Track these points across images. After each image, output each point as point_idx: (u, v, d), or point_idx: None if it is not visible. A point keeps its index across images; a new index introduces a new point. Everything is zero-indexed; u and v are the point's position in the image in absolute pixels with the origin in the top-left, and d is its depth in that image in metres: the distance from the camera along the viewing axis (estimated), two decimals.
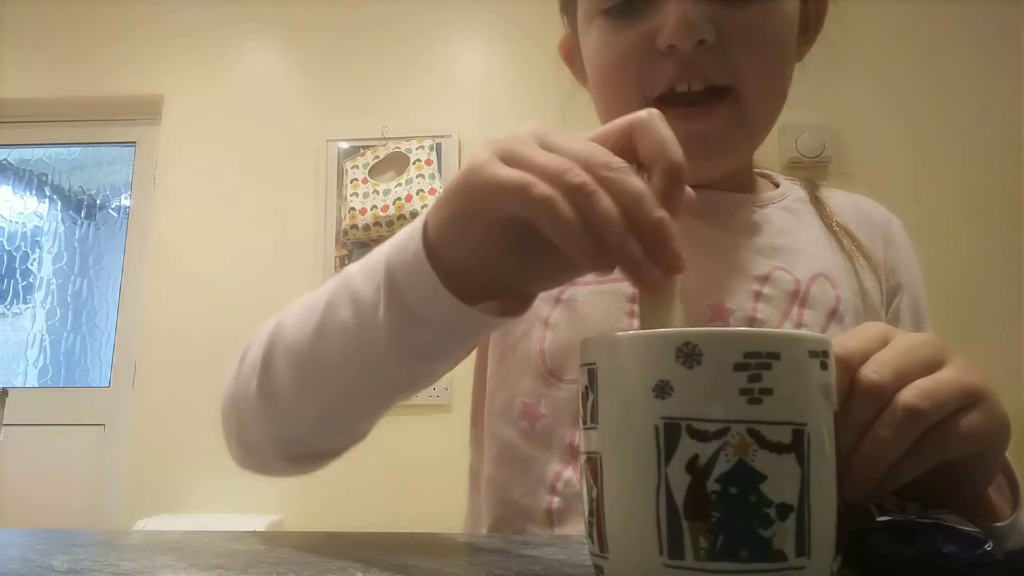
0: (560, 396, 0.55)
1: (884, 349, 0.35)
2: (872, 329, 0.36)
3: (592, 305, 0.55)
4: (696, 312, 0.56)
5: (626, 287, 0.55)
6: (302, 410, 0.48)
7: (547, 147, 0.34)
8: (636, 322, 0.50)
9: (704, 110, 0.51)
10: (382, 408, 0.48)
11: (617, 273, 0.50)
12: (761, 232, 0.60)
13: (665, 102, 0.51)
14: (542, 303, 0.56)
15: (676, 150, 0.34)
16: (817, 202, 0.63)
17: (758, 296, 0.57)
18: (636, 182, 0.33)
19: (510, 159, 0.34)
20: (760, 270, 0.58)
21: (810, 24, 0.58)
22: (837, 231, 0.61)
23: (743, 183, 0.62)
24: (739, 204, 0.61)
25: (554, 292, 0.56)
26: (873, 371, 0.33)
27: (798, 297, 0.57)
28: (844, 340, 0.35)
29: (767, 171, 0.68)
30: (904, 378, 0.34)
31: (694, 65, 0.50)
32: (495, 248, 0.37)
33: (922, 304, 0.66)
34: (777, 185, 0.66)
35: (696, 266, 0.56)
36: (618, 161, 0.33)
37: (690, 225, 0.59)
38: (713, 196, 0.60)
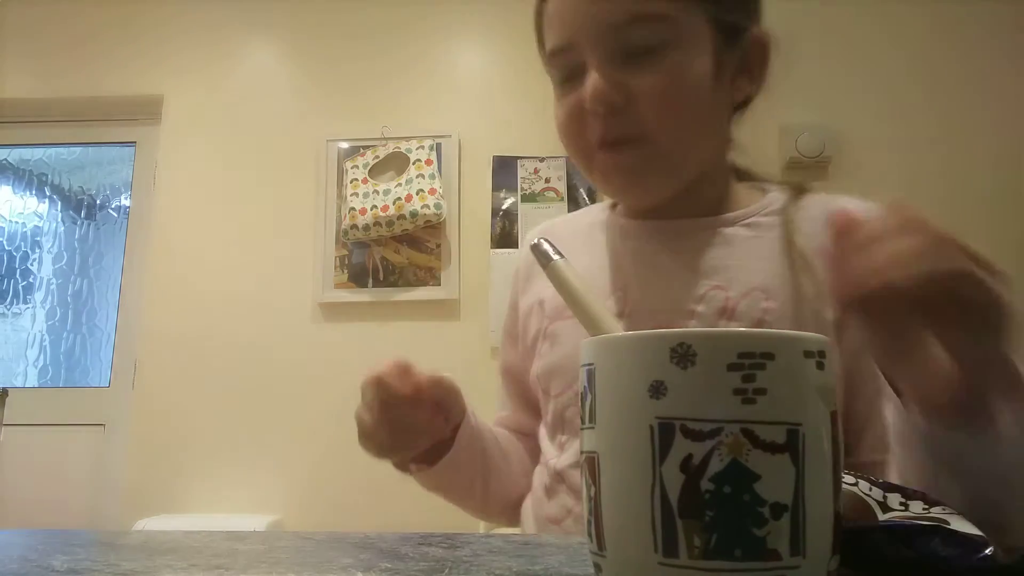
0: (550, 408, 0.69)
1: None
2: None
3: (569, 335, 0.68)
4: None
5: None
6: None
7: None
8: None
9: (621, 150, 0.63)
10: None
11: None
12: (708, 253, 0.67)
13: (599, 146, 0.64)
14: (539, 341, 0.72)
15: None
16: (786, 213, 0.68)
17: (692, 315, 0.64)
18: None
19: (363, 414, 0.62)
20: (699, 290, 0.65)
21: (752, 69, 0.66)
22: (791, 245, 0.66)
23: (712, 206, 0.69)
24: (701, 227, 0.68)
25: (544, 327, 0.71)
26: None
27: (726, 313, 0.64)
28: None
29: (759, 182, 0.73)
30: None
31: (611, 122, 0.62)
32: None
33: None
34: (766, 192, 0.72)
35: (646, 291, 0.68)
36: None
37: (651, 252, 0.69)
38: (673, 224, 0.69)
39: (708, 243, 0.67)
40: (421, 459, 0.66)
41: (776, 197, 0.70)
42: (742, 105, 0.69)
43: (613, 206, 0.77)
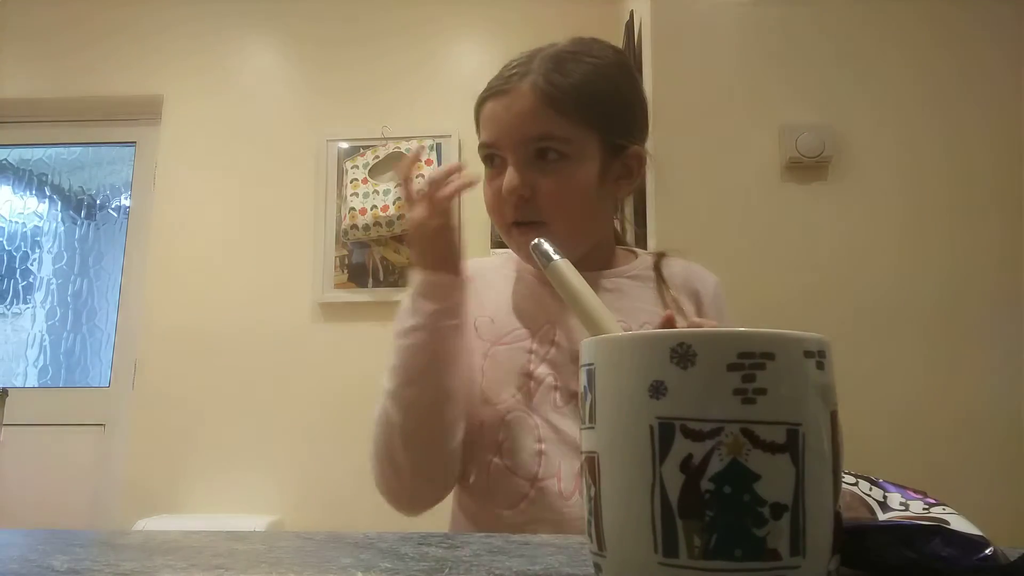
0: (489, 411, 0.80)
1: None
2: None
3: (505, 356, 0.82)
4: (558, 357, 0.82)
5: (527, 344, 0.82)
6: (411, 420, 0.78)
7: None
8: (532, 367, 0.81)
9: (527, 229, 0.81)
10: (449, 384, 0.77)
11: (520, 336, 0.83)
12: (608, 296, 0.85)
13: (512, 224, 0.84)
14: (479, 358, 0.83)
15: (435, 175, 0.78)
16: (657, 270, 0.90)
17: None
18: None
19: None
20: None
21: (632, 174, 0.85)
22: (664, 292, 0.88)
23: (604, 261, 0.90)
24: (600, 278, 0.87)
25: (485, 349, 0.83)
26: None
27: None
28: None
29: (633, 248, 0.97)
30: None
31: (520, 208, 0.82)
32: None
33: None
34: (637, 255, 0.93)
35: (572, 323, 0.83)
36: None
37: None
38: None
39: (606, 289, 0.87)
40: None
41: (645, 258, 0.92)
42: (625, 195, 0.91)
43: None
